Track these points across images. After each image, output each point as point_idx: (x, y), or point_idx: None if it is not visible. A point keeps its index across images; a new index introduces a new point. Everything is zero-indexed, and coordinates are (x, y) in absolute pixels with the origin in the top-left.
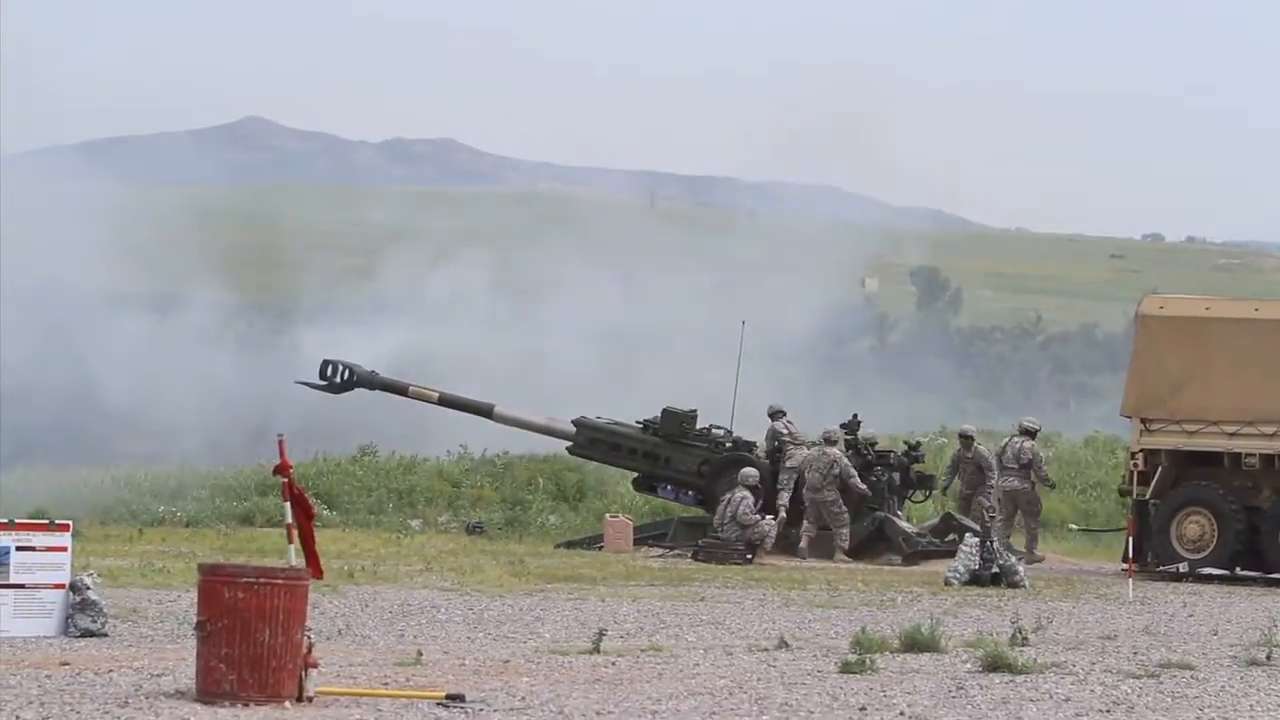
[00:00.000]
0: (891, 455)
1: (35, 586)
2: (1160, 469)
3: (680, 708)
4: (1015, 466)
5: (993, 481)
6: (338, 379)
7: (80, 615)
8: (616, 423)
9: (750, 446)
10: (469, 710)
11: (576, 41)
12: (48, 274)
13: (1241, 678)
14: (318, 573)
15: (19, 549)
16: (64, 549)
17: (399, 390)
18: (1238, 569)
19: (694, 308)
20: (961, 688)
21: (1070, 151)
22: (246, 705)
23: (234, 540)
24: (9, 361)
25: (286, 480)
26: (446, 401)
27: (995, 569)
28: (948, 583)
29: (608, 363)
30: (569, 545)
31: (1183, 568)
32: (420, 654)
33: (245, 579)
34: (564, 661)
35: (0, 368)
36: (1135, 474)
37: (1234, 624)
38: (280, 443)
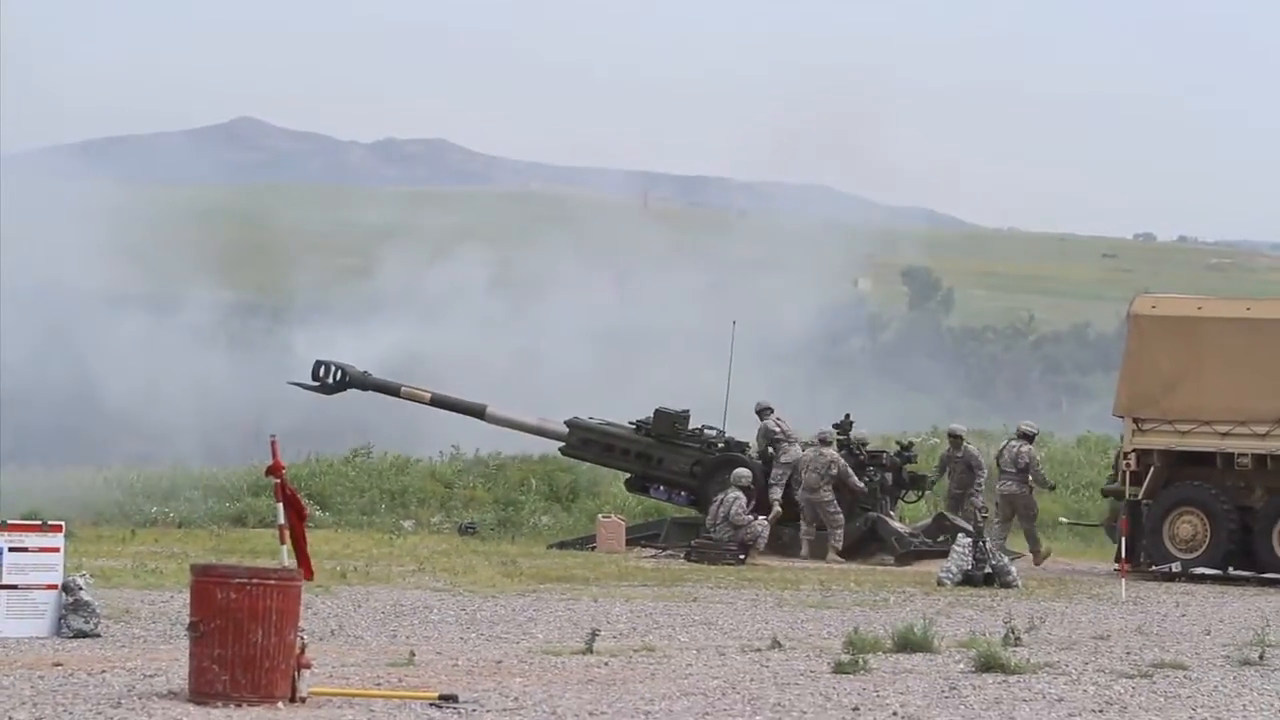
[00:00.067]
0: (884, 455)
1: (28, 587)
2: (1153, 469)
3: (673, 708)
4: (1013, 471)
5: (981, 480)
6: (330, 380)
7: (73, 616)
8: (609, 423)
9: (743, 447)
10: (462, 711)
11: (569, 41)
12: (45, 274)
13: (1234, 677)
14: (308, 574)
15: (11, 550)
16: (56, 550)
17: (391, 391)
18: (1230, 569)
19: (688, 308)
20: (954, 688)
21: (1062, 151)
22: (239, 706)
23: (226, 541)
24: (6, 361)
25: (279, 481)
26: (438, 402)
27: (988, 569)
28: (940, 583)
29: (603, 363)
30: (561, 546)
31: (1175, 568)
32: (413, 654)
33: (238, 580)
34: (557, 662)
35: None
36: (1128, 474)
37: (1227, 624)
38: (273, 444)
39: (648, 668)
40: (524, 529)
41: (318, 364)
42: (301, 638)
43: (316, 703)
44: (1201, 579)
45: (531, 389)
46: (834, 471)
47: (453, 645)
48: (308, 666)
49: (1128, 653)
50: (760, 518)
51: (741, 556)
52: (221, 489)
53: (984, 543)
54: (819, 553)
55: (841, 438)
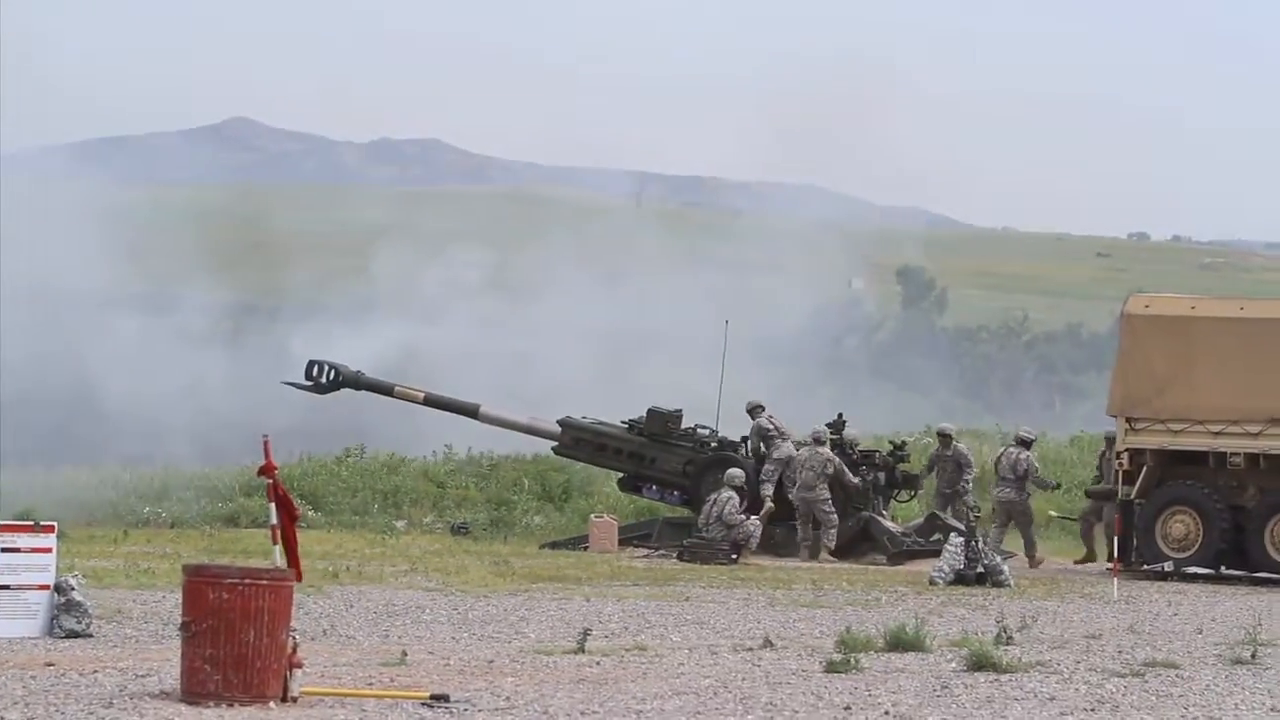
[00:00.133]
0: (877, 455)
1: (20, 588)
2: (1145, 468)
3: (665, 707)
4: (1011, 477)
5: (969, 477)
6: (323, 379)
7: (65, 616)
8: (601, 423)
9: (736, 446)
10: (453, 710)
11: (563, 41)
12: (40, 274)
13: (1226, 676)
14: (298, 575)
15: (4, 550)
16: (49, 550)
17: (384, 390)
18: (1223, 568)
19: (683, 308)
20: (946, 687)
21: (1058, 151)
22: (231, 706)
23: (219, 541)
24: (2, 361)
25: (271, 481)
26: (432, 402)
27: (980, 568)
28: (932, 582)
29: (598, 363)
30: (554, 546)
31: (1168, 567)
32: (405, 654)
33: (230, 580)
34: (549, 661)
35: None
36: (1120, 473)
37: (1219, 623)
38: (265, 444)
39: (639, 667)
40: (516, 529)
41: (311, 364)
42: (293, 637)
43: (308, 702)
44: (1194, 578)
45: (527, 389)
46: (830, 470)
47: (445, 645)
48: (299, 666)
49: (1120, 652)
50: (753, 517)
51: (734, 556)
52: (214, 489)
53: (976, 542)
54: (817, 554)
55: (834, 437)
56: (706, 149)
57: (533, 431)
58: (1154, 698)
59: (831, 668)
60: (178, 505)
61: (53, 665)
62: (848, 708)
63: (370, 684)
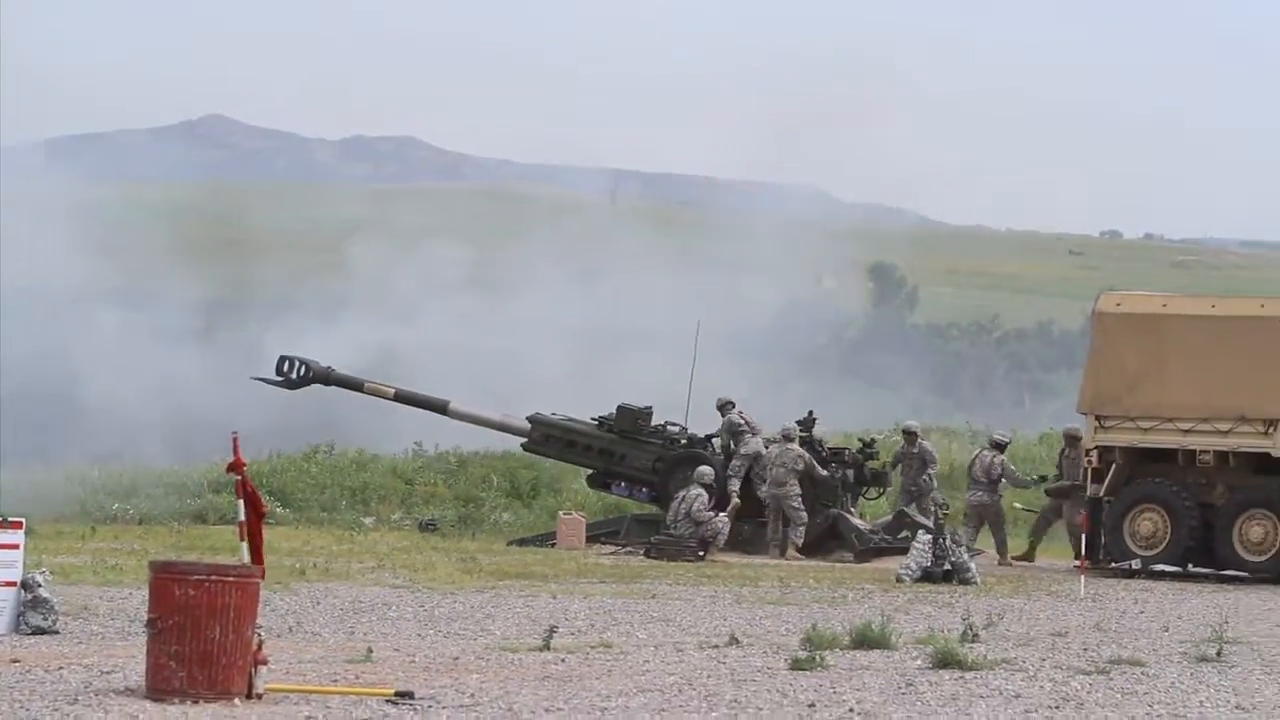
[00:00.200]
0: (846, 453)
1: None
2: (1114, 466)
3: (629, 704)
4: (984, 480)
5: (931, 471)
6: (294, 375)
7: (31, 613)
8: (571, 419)
9: (705, 443)
10: (418, 707)
11: (537, 37)
12: (12, 272)
13: (1191, 674)
14: (261, 572)
15: None
16: (16, 546)
17: (355, 386)
18: (1190, 566)
19: (657, 305)
20: (911, 684)
21: (1031, 149)
22: (196, 702)
23: (186, 538)
24: None
25: (240, 478)
26: (402, 398)
27: (947, 566)
28: (899, 579)
29: (574, 360)
30: (521, 543)
31: (1135, 564)
32: (370, 651)
33: (196, 576)
34: (514, 658)
35: None
36: (1090, 471)
37: (1185, 620)
38: (234, 440)
39: (605, 664)
40: (485, 526)
41: (282, 359)
42: (259, 634)
43: (273, 699)
44: (1161, 576)
45: (502, 386)
46: (800, 466)
47: (410, 642)
48: (264, 663)
49: (1085, 649)
50: (721, 514)
51: (701, 553)
52: (183, 486)
53: (944, 539)
54: (785, 552)
55: (804, 434)
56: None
57: (503, 428)
58: (1119, 695)
59: (797, 665)
60: (146, 502)
61: (18, 662)
62: (812, 705)
63: (335, 681)
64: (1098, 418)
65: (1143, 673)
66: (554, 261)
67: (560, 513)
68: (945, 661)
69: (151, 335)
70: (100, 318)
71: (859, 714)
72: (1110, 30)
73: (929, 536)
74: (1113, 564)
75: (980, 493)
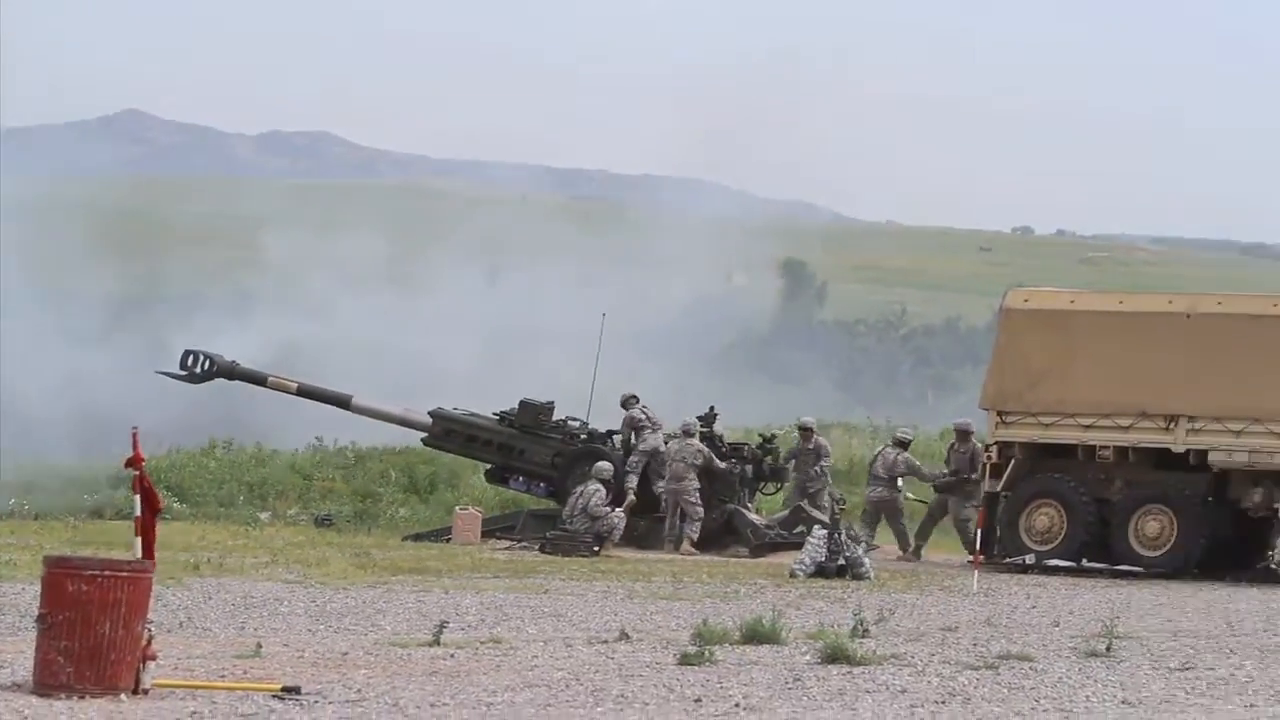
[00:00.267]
0: (746, 448)
1: None
2: (1014, 461)
3: (515, 699)
4: (885, 477)
5: (825, 464)
6: (198, 369)
7: None
8: (473, 414)
9: (605, 439)
10: (304, 703)
11: (453, 33)
12: None
13: (1080, 669)
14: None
15: None
16: None
17: (258, 381)
18: (1085, 561)
19: (568, 301)
20: (799, 679)
21: (943, 145)
22: (82, 698)
23: (83, 533)
24: None
25: (138, 473)
26: (305, 392)
27: (842, 561)
28: (793, 575)
29: (484, 355)
30: (416, 538)
31: (1029, 559)
32: (259, 646)
33: (90, 571)
34: (403, 654)
35: None
36: (989, 466)
37: (1076, 615)
38: (134, 436)
39: (493, 659)
40: (381, 521)
41: (186, 353)
42: (149, 630)
43: (159, 694)
44: (1055, 571)
45: (412, 382)
46: (699, 461)
47: (300, 637)
48: (153, 658)
49: (975, 644)
50: (617, 510)
51: (596, 548)
52: (81, 481)
53: (839, 535)
54: (680, 546)
55: (704, 430)
56: (597, 143)
57: (404, 423)
58: (1006, 690)
59: (685, 660)
60: (43, 497)
61: None
62: (698, 700)
63: (223, 676)
64: (999, 413)
65: (1031, 668)
66: (466, 258)
67: (457, 508)
68: (834, 656)
69: (60, 332)
70: (10, 314)
71: (745, 709)
72: (1015, 29)
73: (824, 532)
74: (1007, 559)
75: (880, 488)
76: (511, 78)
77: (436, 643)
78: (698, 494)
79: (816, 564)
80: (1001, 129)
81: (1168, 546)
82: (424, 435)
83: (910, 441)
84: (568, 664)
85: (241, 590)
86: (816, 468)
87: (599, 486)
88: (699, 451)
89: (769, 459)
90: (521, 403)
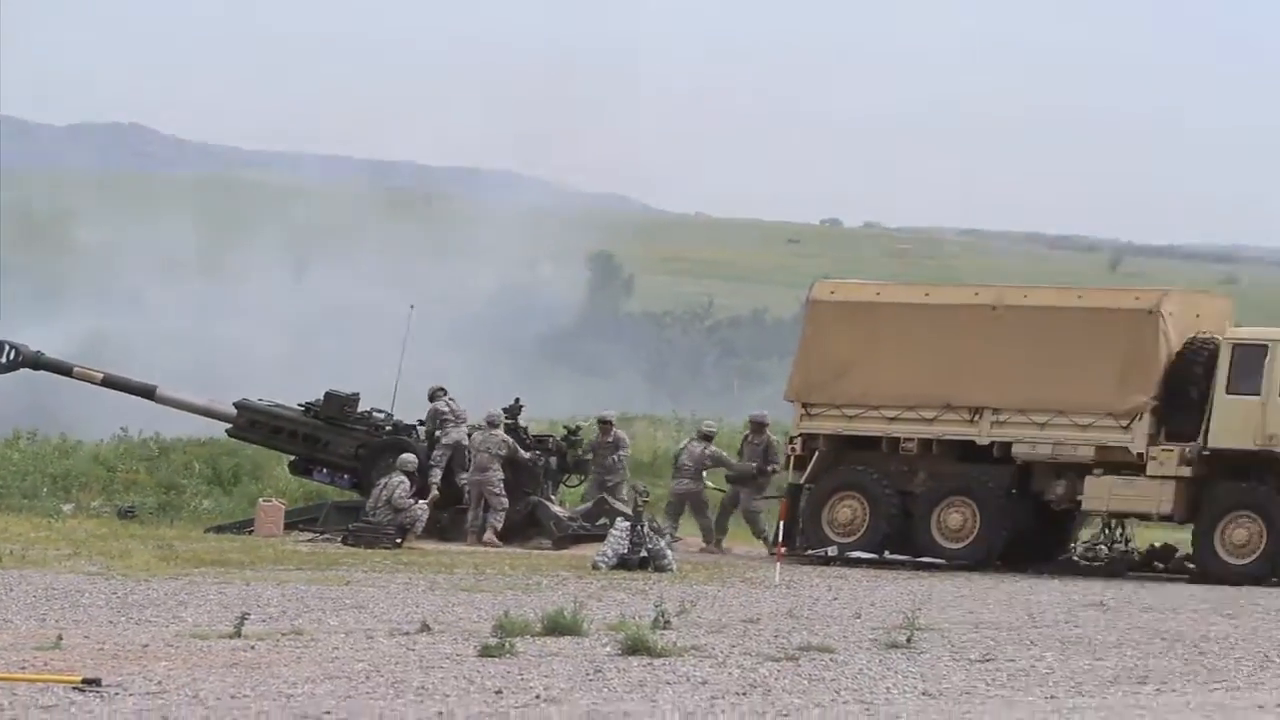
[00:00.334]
0: (550, 440)
1: None
2: (817, 453)
3: (316, 691)
4: (691, 470)
5: (623, 453)
6: (2, 359)
7: None
8: (278, 405)
9: (410, 430)
10: (105, 694)
11: (268, 20)
12: None
13: (880, 660)
14: None
15: None
16: None
17: (64, 371)
18: (886, 553)
19: (378, 291)
20: (599, 671)
21: (753, 138)
22: None
23: None
24: None
25: None
26: (110, 383)
27: (644, 553)
28: (595, 566)
29: (295, 346)
30: (219, 530)
31: (831, 551)
32: (60, 638)
33: None
34: (204, 646)
35: None
36: (793, 458)
37: (878, 607)
38: None
39: (294, 651)
40: (184, 512)
41: None
42: None
43: None
44: (857, 563)
45: (222, 372)
46: (503, 451)
47: (102, 629)
48: None
49: (776, 636)
50: (420, 502)
51: (398, 540)
52: None
53: (642, 527)
54: (483, 538)
55: (509, 421)
56: (409, 133)
57: (209, 413)
58: (806, 681)
59: (486, 652)
60: None
61: None
62: (499, 692)
63: (23, 668)
64: (804, 405)
65: (832, 659)
66: (276, 249)
67: (260, 500)
68: (635, 648)
69: None
70: None
71: (545, 700)
72: (833, 25)
73: (627, 524)
74: (809, 551)
75: (686, 481)
76: (323, 68)
77: (238, 635)
78: (502, 484)
79: (619, 556)
80: (809, 122)
81: (970, 538)
82: (228, 426)
83: (714, 435)
84: (369, 655)
85: (43, 582)
86: (614, 458)
87: (403, 478)
88: (503, 442)
89: (573, 451)
90: (326, 394)
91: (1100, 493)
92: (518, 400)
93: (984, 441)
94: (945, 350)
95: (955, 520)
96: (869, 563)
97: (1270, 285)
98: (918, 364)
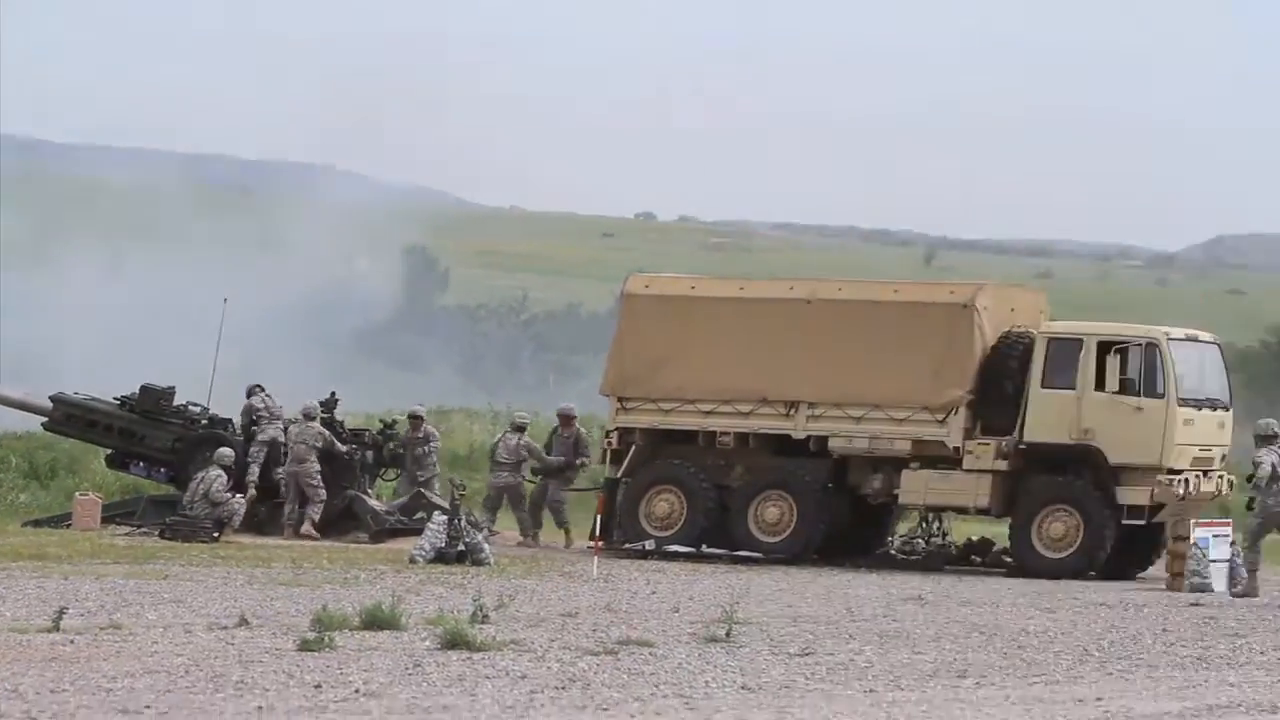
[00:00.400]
0: (366, 434)
1: None
2: (634, 447)
3: (135, 685)
4: (508, 462)
5: (432, 446)
6: None
7: None
8: (94, 399)
9: (226, 424)
10: None
11: (68, 6)
12: None
13: (699, 654)
14: None
15: None
16: None
17: None
18: (704, 546)
19: (197, 286)
20: (419, 665)
21: (566, 130)
22: None
23: None
24: None
25: None
26: None
27: (461, 547)
28: (413, 560)
29: (113, 340)
30: (36, 524)
31: (649, 545)
32: None
33: None
34: (22, 640)
35: None
36: (609, 452)
37: (696, 601)
38: None
39: (113, 645)
40: (1, 506)
41: None
42: None
43: None
44: (675, 557)
45: (36, 366)
46: (319, 443)
47: None
48: None
49: (595, 630)
50: (238, 496)
51: (216, 534)
52: None
53: (459, 521)
54: (300, 531)
55: (325, 415)
56: (222, 125)
57: (25, 407)
58: (626, 675)
59: (305, 646)
60: None
61: None
62: (318, 686)
63: None
64: (620, 399)
65: (651, 653)
66: (90, 243)
67: (77, 494)
68: (454, 642)
69: None
70: None
71: (365, 694)
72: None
73: (444, 518)
74: (627, 545)
75: (504, 474)
76: (138, 62)
77: (56, 629)
78: (319, 476)
79: (436, 550)
80: (625, 117)
81: (787, 532)
82: (44, 420)
83: (527, 425)
84: (188, 650)
85: None
86: (423, 450)
87: (220, 472)
88: (319, 434)
89: (389, 445)
90: (142, 388)
91: (917, 486)
92: (333, 394)
93: (800, 435)
94: (760, 344)
95: (772, 514)
96: (687, 556)
97: (1084, 280)
98: (733, 358)
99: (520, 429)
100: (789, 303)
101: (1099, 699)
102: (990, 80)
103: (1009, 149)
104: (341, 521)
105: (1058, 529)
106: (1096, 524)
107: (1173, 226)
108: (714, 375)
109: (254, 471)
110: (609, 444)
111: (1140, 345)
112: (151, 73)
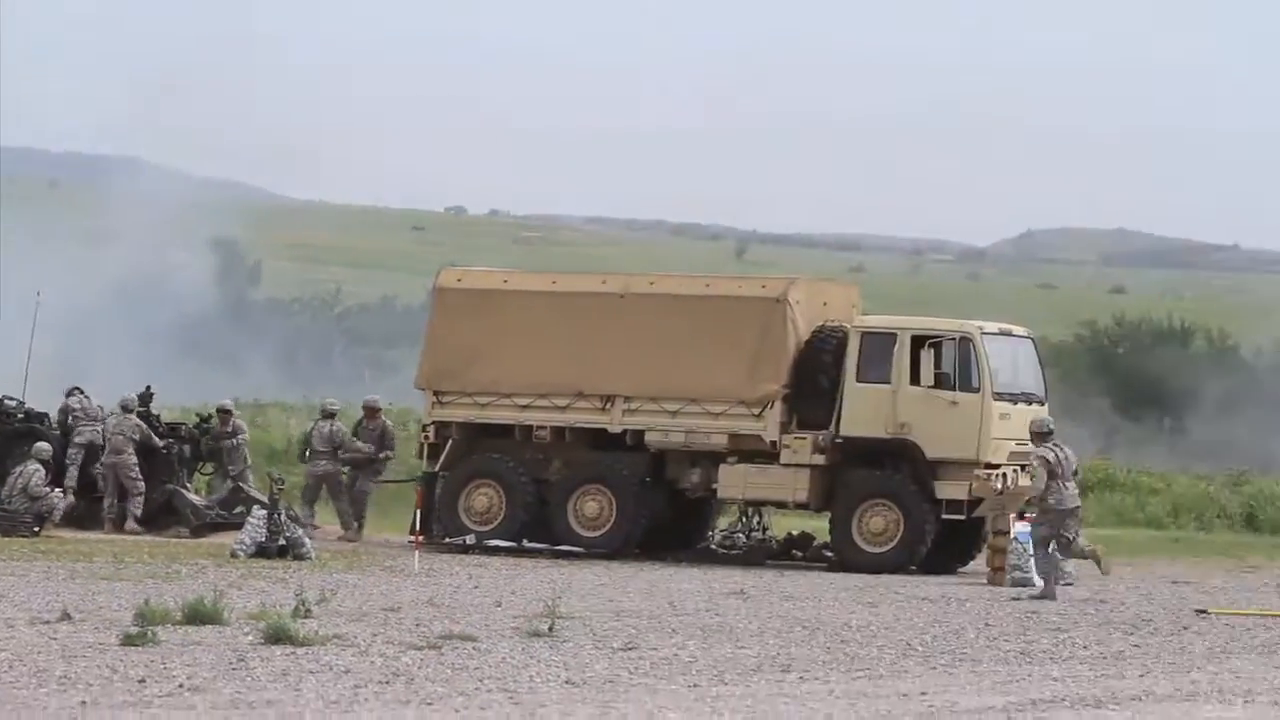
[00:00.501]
0: (183, 428)
1: None
2: (451, 441)
3: None
4: (325, 449)
5: (239, 441)
6: None
7: None
8: None
9: (43, 419)
10: None
11: None
12: None
13: (523, 649)
14: None
15: None
16: None
17: None
18: (525, 541)
19: (7, 279)
20: (243, 660)
21: (375, 121)
22: None
23: None
24: None
25: None
26: None
27: (282, 541)
28: (234, 555)
29: None
30: None
31: (469, 539)
32: None
33: None
34: None
35: None
36: (426, 446)
37: (519, 596)
38: None
39: None
40: None
41: None
42: None
43: None
44: (496, 551)
45: None
46: (137, 436)
47: None
48: None
49: (418, 624)
50: (58, 490)
51: (36, 529)
52: None
53: (279, 515)
54: (122, 526)
55: (142, 409)
56: (29, 117)
57: None
58: (450, 670)
59: (128, 641)
60: None
61: None
62: (142, 681)
63: None
64: (435, 393)
65: (474, 648)
66: None
67: None
68: (277, 637)
69: None
70: None
71: (189, 689)
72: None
73: (264, 512)
74: (447, 539)
75: (323, 462)
76: None
77: None
78: (137, 469)
79: (257, 544)
80: (430, 111)
81: (607, 526)
82: None
83: (337, 412)
84: (10, 645)
85: None
86: (232, 443)
87: (38, 467)
88: (136, 427)
89: (206, 439)
90: None
91: (735, 481)
92: (149, 388)
93: (617, 430)
94: (575, 338)
95: (592, 508)
96: (508, 551)
97: (895, 274)
98: (548, 351)
99: (330, 415)
100: (602, 296)
101: (923, 693)
102: (784, 79)
103: (819, 145)
104: (162, 516)
105: (878, 523)
106: (916, 518)
107: (982, 222)
108: (529, 369)
109: (73, 474)
110: (425, 438)
111: (954, 339)
112: None
